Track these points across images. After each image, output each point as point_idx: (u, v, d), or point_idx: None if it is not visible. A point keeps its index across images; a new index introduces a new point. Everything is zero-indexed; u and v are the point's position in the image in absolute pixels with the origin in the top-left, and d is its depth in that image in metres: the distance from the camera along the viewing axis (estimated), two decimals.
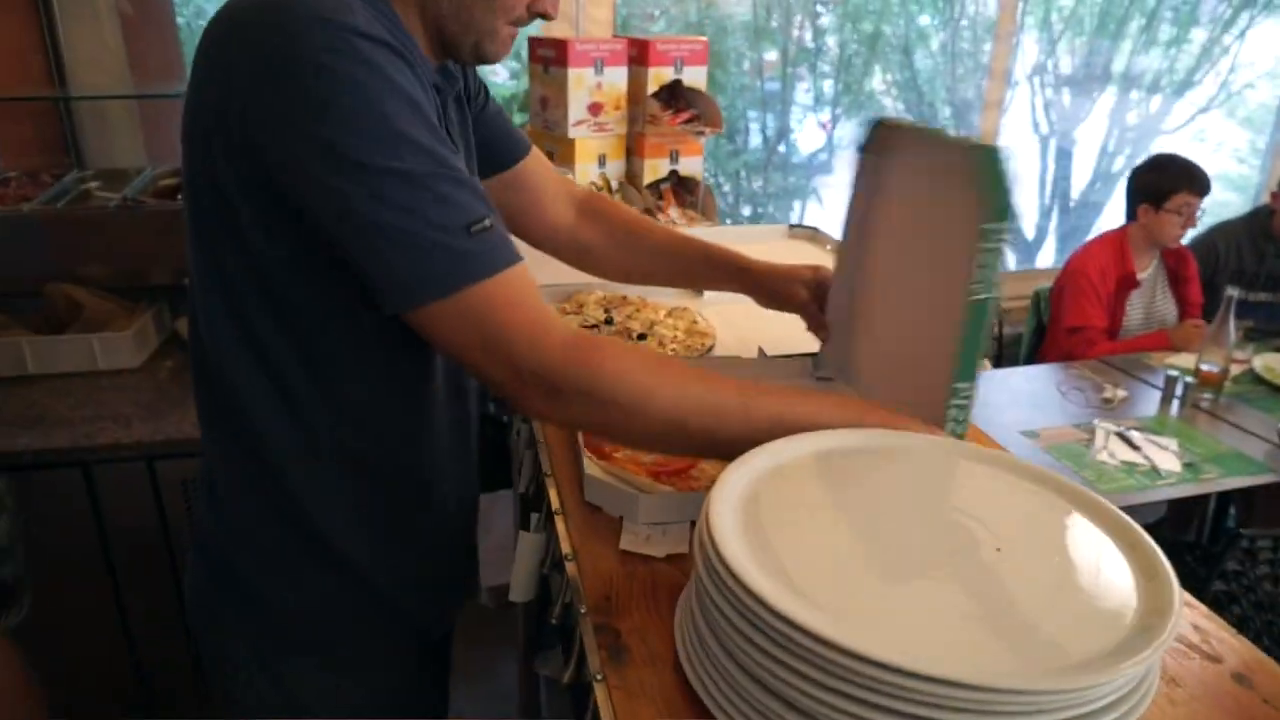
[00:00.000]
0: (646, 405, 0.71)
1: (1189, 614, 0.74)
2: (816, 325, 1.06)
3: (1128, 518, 0.63)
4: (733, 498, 0.62)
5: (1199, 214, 2.59)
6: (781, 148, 4.56)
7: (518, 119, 3.04)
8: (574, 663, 0.73)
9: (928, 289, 0.85)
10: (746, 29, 4.11)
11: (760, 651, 0.53)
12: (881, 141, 0.94)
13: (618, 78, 1.82)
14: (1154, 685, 0.55)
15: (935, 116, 4.83)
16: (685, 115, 1.89)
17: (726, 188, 4.57)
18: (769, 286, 1.08)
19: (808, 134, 4.86)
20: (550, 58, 1.79)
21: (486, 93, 1.03)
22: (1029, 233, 4.95)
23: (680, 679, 0.62)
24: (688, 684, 0.60)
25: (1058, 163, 4.92)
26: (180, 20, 2.87)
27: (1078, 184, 5.05)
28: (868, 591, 0.56)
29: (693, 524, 0.79)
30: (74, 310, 2.01)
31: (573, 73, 1.75)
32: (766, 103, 4.45)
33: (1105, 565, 0.60)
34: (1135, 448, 1.93)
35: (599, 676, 0.63)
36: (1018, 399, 2.24)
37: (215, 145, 0.70)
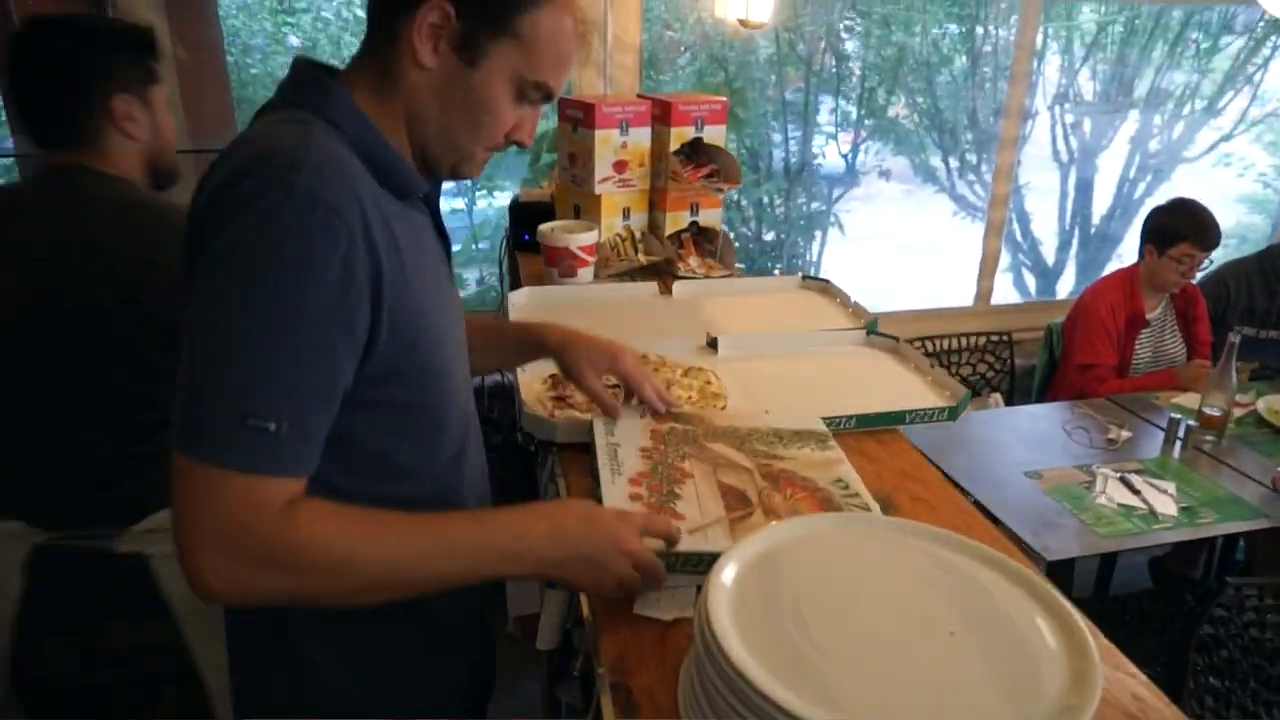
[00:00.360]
0: (342, 577, 0.75)
1: (1130, 683, 0.83)
2: (604, 407, 1.15)
3: (1064, 601, 0.74)
4: (727, 584, 0.73)
5: (1203, 265, 2.64)
6: (804, 174, 4.65)
7: (546, 158, 3.17)
8: (593, 713, 0.84)
9: None
10: (770, 62, 4.21)
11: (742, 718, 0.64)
12: None
13: (642, 137, 1.94)
14: None
15: (956, 144, 4.91)
16: (705, 170, 2.00)
17: (750, 212, 4.67)
18: (564, 361, 1.17)
19: (830, 159, 4.95)
20: (579, 119, 1.91)
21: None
22: (1049, 259, 5.00)
23: None
24: None
25: (1078, 192, 4.97)
26: (229, 59, 3.04)
27: (1099, 209, 5.09)
28: (842, 674, 0.67)
29: (697, 588, 0.90)
30: None
31: (599, 134, 1.87)
32: (788, 118, 4.53)
33: (1040, 652, 0.70)
34: (1135, 491, 2.01)
35: None
36: (1023, 438, 2.32)
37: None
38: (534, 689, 2.26)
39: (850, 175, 4.80)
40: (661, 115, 1.95)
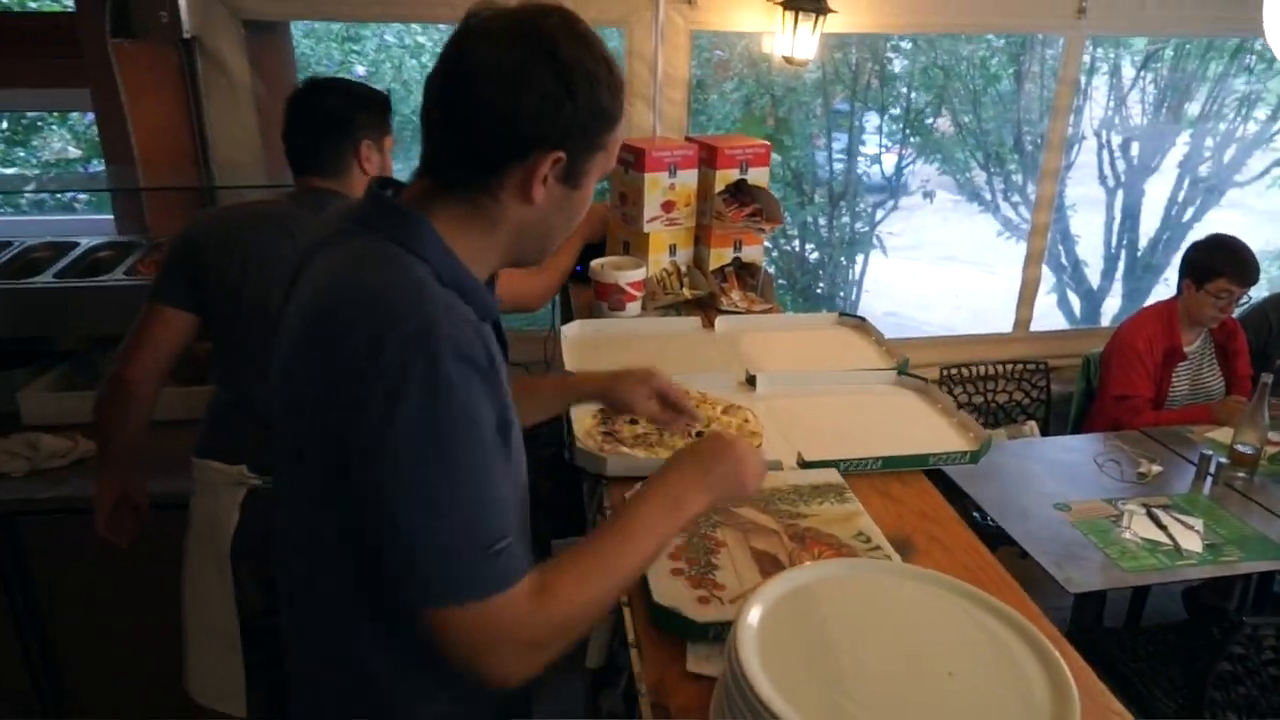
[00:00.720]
0: (595, 609, 0.88)
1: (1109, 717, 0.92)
2: (677, 416, 1.32)
3: (1044, 640, 0.84)
4: (753, 623, 0.84)
5: (1242, 301, 2.67)
6: (848, 195, 4.72)
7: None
8: None
9: None
10: (816, 85, 4.30)
11: None
12: None
13: (689, 179, 2.06)
14: None
15: (1002, 166, 4.93)
16: (749, 210, 2.11)
17: (794, 231, 4.76)
18: (612, 399, 1.33)
19: (874, 178, 5.01)
20: (630, 162, 2.03)
21: None
22: (1094, 281, 5.00)
23: None
24: None
25: (1125, 215, 4.94)
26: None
27: (1146, 232, 5.06)
28: (847, 705, 0.77)
29: None
30: None
31: (649, 176, 1.99)
32: (833, 137, 4.59)
33: (1026, 685, 0.80)
34: (1161, 526, 2.07)
35: None
36: (1054, 469, 2.38)
37: (303, 423, 0.87)
38: (578, 693, 2.38)
39: (894, 195, 4.85)
40: (708, 158, 2.06)
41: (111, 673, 2.14)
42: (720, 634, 0.96)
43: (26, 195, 3.23)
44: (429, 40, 4.19)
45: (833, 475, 1.28)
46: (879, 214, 4.78)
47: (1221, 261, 2.63)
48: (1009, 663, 0.84)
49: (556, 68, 0.86)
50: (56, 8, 3.64)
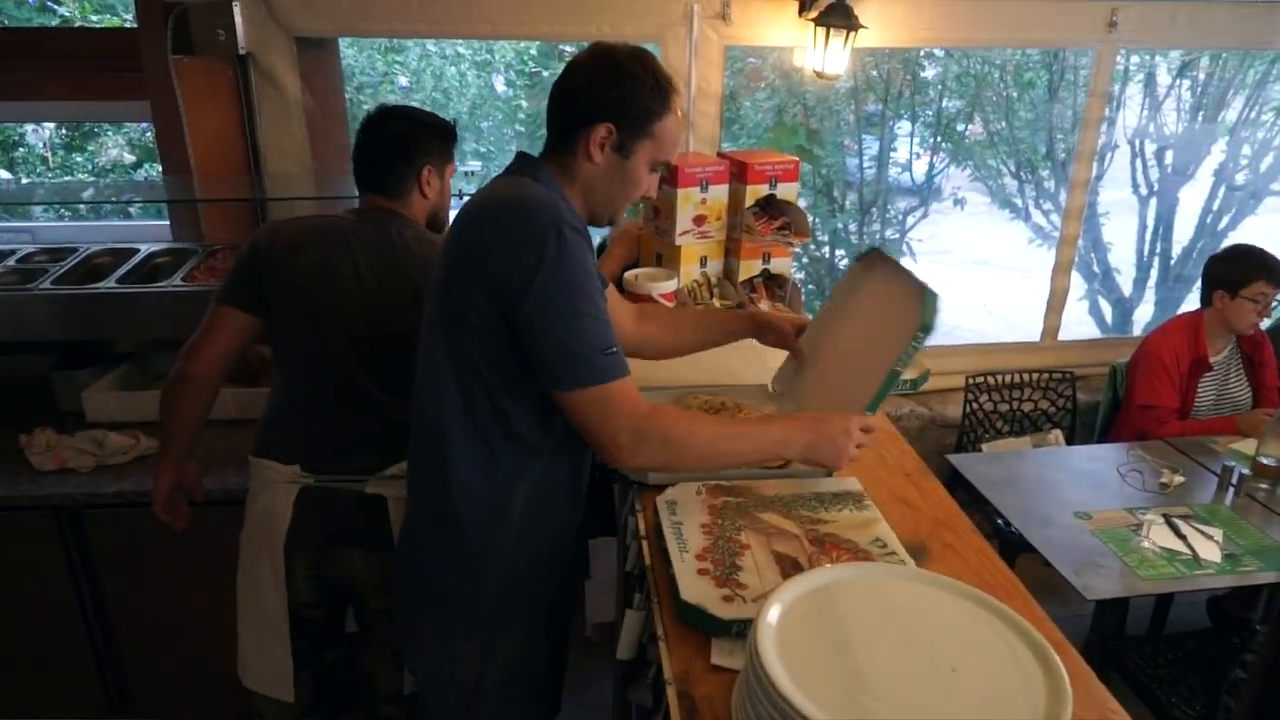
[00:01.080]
0: (693, 443, 1.23)
1: (1109, 717, 0.99)
2: (794, 350, 1.68)
3: (1043, 641, 0.90)
4: (773, 619, 0.92)
5: (1276, 305, 2.70)
6: (878, 202, 4.76)
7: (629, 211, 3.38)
8: (663, 713, 1.04)
9: (864, 355, 1.41)
10: (848, 94, 4.34)
11: None
12: (870, 261, 1.58)
13: (720, 194, 2.13)
14: None
15: (1034, 173, 4.93)
16: (777, 223, 2.18)
17: (824, 237, 4.80)
18: (769, 330, 1.70)
19: (905, 185, 5.04)
20: (664, 177, 2.11)
21: None
22: (1125, 289, 4.98)
23: None
24: None
25: (1159, 226, 4.91)
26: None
27: (1180, 240, 5.03)
28: (862, 703, 0.85)
29: None
30: (265, 365, 2.45)
31: (681, 192, 2.07)
32: (863, 144, 4.63)
33: (1025, 678, 0.87)
34: (1180, 535, 2.11)
35: None
36: (1078, 478, 2.42)
37: (474, 290, 1.22)
38: (607, 688, 2.47)
39: (925, 202, 4.88)
40: (738, 174, 2.14)
41: (167, 655, 2.27)
42: (742, 630, 1.04)
43: (87, 201, 3.38)
44: (468, 49, 4.30)
45: (853, 484, 1.35)
46: (909, 220, 4.81)
47: (1253, 266, 2.67)
48: (1009, 661, 0.91)
49: (613, 68, 1.31)
50: (117, 22, 3.81)
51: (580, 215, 1.34)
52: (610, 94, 1.30)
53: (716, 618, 1.04)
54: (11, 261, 2.51)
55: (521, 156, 1.40)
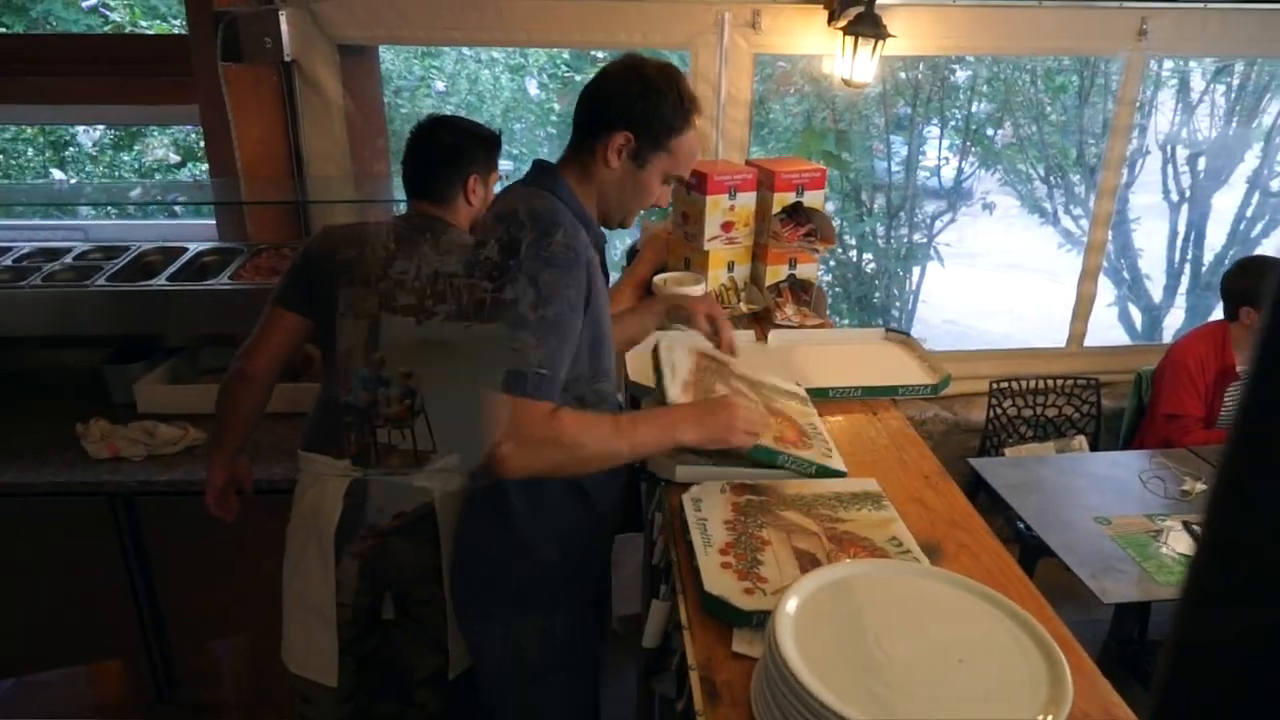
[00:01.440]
0: (581, 452, 1.28)
1: (1114, 712, 1.04)
2: (706, 334, 1.75)
3: (1047, 636, 0.96)
4: (791, 610, 0.98)
5: None
6: (905, 207, 4.78)
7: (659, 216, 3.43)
8: (685, 698, 1.10)
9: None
10: (877, 98, 4.37)
11: (797, 711, 0.89)
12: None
13: (748, 201, 2.19)
14: None
15: (1065, 177, 4.93)
16: (804, 230, 2.23)
17: (852, 240, 4.83)
18: (676, 312, 1.79)
19: (933, 189, 5.05)
20: (693, 184, 2.17)
21: None
22: (1155, 295, 4.96)
23: (751, 716, 0.98)
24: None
25: (1190, 232, 4.88)
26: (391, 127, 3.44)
27: (1212, 246, 5.00)
28: (868, 680, 0.91)
29: None
30: (306, 362, 2.55)
31: (710, 198, 2.13)
32: (892, 148, 4.66)
33: (1029, 671, 0.92)
34: None
35: (700, 711, 1.01)
36: (1099, 484, 2.45)
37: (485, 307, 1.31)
38: (632, 678, 2.54)
39: (953, 206, 4.89)
40: (766, 181, 2.19)
41: (213, 638, 2.37)
42: (762, 621, 1.10)
43: (135, 200, 3.51)
44: (502, 54, 4.39)
45: (871, 484, 1.41)
46: (937, 225, 4.83)
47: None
48: (1015, 654, 0.96)
49: (640, 80, 1.39)
50: (166, 28, 3.94)
51: (595, 221, 1.45)
52: (634, 105, 1.39)
53: (738, 609, 1.11)
54: (69, 259, 2.63)
55: (539, 166, 1.47)
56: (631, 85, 1.40)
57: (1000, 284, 6.41)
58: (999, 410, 3.12)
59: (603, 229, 1.51)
